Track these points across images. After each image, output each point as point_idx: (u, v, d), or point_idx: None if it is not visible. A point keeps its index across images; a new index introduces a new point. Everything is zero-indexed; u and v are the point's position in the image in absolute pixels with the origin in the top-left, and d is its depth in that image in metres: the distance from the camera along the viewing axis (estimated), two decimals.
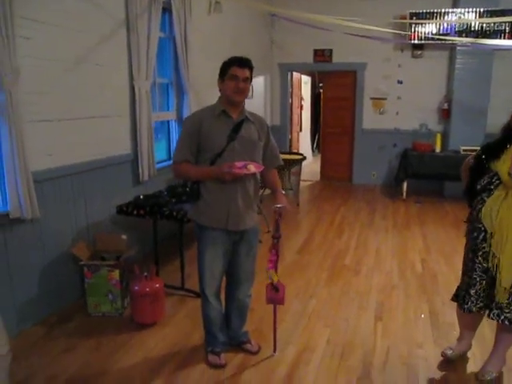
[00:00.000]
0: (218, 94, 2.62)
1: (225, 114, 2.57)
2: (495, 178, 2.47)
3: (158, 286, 3.24)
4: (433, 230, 5.67)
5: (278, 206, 2.64)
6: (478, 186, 2.55)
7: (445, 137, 7.53)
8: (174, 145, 5.21)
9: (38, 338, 3.06)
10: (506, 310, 2.49)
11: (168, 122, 5.13)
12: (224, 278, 2.82)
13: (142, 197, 3.75)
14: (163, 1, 4.29)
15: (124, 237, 3.51)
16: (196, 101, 5.03)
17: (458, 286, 2.80)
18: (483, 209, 2.49)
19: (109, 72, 3.79)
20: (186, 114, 5.02)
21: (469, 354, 2.90)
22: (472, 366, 2.80)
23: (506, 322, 2.51)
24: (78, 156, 3.47)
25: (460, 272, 2.78)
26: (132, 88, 4.04)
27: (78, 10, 3.39)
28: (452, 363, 2.82)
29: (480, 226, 2.51)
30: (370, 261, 4.62)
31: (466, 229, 2.72)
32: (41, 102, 3.13)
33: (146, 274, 3.22)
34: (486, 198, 2.49)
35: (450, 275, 4.12)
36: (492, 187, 2.48)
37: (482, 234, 2.51)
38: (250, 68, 2.54)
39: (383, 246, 5.07)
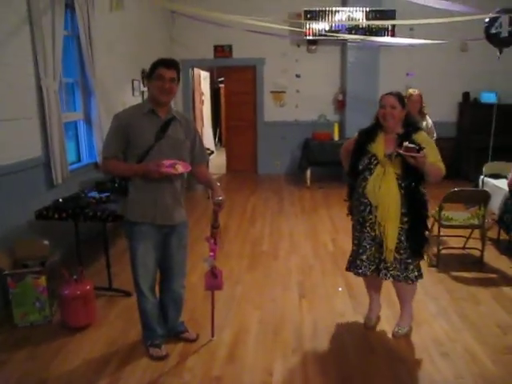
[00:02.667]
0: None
1: (153, 113, 2.65)
2: (373, 158, 2.87)
3: (88, 287, 3.22)
4: (338, 212, 6.12)
5: (220, 198, 2.78)
6: (360, 167, 2.92)
7: (342, 126, 8.13)
8: (83, 146, 5.07)
9: None
10: (391, 268, 2.91)
11: (75, 122, 4.97)
12: (158, 273, 2.90)
13: (61, 200, 3.65)
14: None
15: (46, 242, 3.40)
16: (103, 100, 4.94)
17: (349, 257, 3.18)
18: (367, 186, 2.87)
19: (15, 71, 3.62)
20: (94, 114, 4.91)
21: (383, 317, 3.31)
22: (387, 326, 3.21)
23: (391, 279, 2.93)
24: None
25: None
26: (39, 88, 3.88)
27: None
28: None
29: (366, 200, 2.89)
30: (285, 245, 4.94)
31: (348, 206, 3.12)
32: None
33: (75, 276, 3.18)
34: (368, 177, 2.87)
35: None
36: (372, 166, 2.86)
37: (368, 208, 2.89)
38: (177, 69, 2.64)
39: (295, 231, 5.43)
